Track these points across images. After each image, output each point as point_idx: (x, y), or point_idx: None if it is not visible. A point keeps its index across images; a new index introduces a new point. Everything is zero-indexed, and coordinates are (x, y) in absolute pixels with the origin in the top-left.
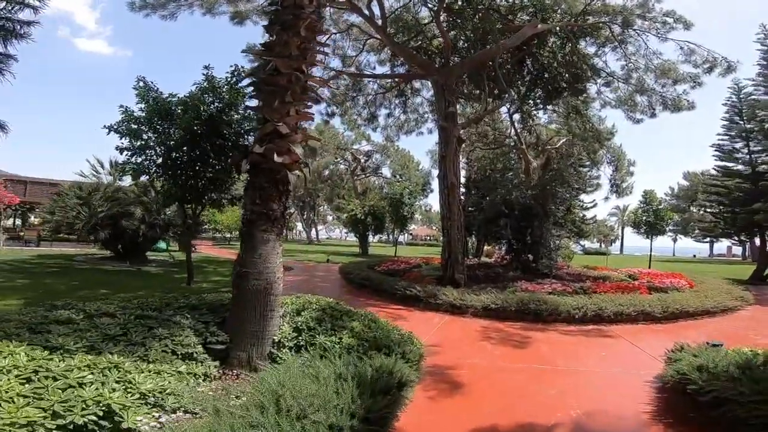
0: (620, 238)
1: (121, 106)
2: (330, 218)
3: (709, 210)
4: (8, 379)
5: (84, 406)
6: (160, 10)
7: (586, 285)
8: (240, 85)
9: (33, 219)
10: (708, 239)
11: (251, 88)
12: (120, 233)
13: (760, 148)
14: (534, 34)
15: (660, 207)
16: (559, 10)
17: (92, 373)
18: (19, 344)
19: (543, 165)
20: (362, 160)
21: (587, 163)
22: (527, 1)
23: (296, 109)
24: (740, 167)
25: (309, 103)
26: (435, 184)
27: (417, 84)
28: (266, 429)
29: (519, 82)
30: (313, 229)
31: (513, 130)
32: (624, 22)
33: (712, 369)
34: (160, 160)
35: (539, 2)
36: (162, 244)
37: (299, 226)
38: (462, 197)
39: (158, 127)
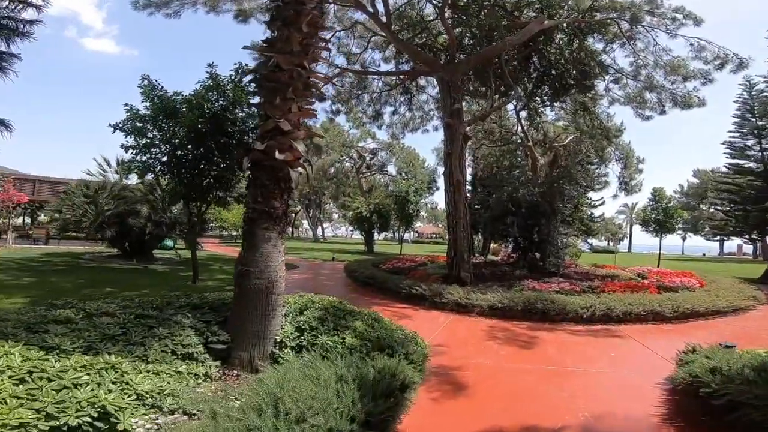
0: (628, 236)
1: (126, 105)
2: (336, 216)
3: (719, 208)
4: (1, 380)
5: (78, 407)
6: (164, 9)
7: (595, 284)
8: (243, 82)
9: (42, 217)
10: (718, 237)
11: (254, 86)
12: (127, 231)
13: None
14: (540, 30)
15: (669, 205)
16: (565, 6)
17: (88, 374)
18: (15, 344)
19: (550, 162)
20: (367, 158)
21: (595, 160)
22: None
23: (298, 106)
24: (752, 165)
25: (312, 100)
26: (441, 182)
27: (422, 81)
28: None
29: (525, 79)
30: (319, 227)
31: (520, 127)
32: (632, 19)
33: (726, 371)
34: (165, 158)
35: None
36: (169, 242)
37: (305, 224)
38: (468, 195)
39: (163, 125)
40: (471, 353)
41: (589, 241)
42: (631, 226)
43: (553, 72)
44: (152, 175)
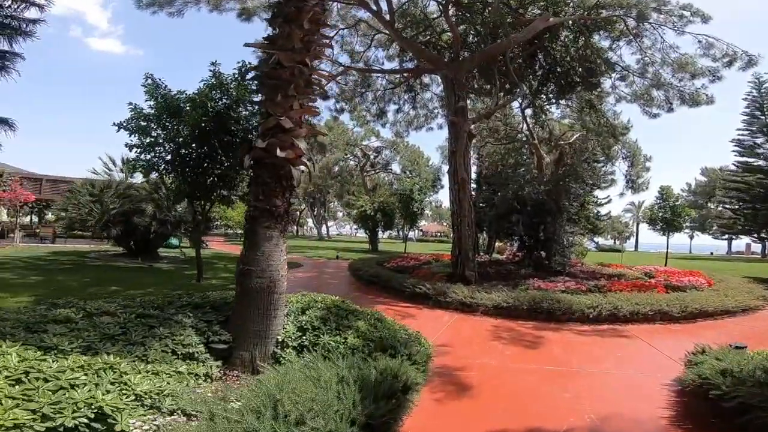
0: (635, 234)
1: (130, 104)
2: (340, 214)
3: (728, 206)
4: None
5: (75, 408)
6: (167, 7)
7: (601, 283)
8: (246, 80)
9: (49, 216)
10: (726, 236)
11: (256, 83)
12: (132, 230)
13: None
14: (546, 27)
15: (677, 203)
16: (571, 3)
17: (86, 374)
18: (12, 344)
19: (556, 160)
20: (372, 156)
21: (602, 158)
22: None
23: (300, 103)
24: (761, 163)
25: (314, 97)
26: (445, 180)
27: (426, 79)
28: None
29: (531, 77)
30: (324, 226)
31: (525, 125)
32: (639, 16)
33: (737, 373)
34: (169, 157)
35: None
36: (174, 241)
37: (310, 222)
38: (473, 193)
39: (167, 124)
40: (475, 353)
41: (595, 239)
42: (637, 225)
43: (559, 69)
44: (156, 174)
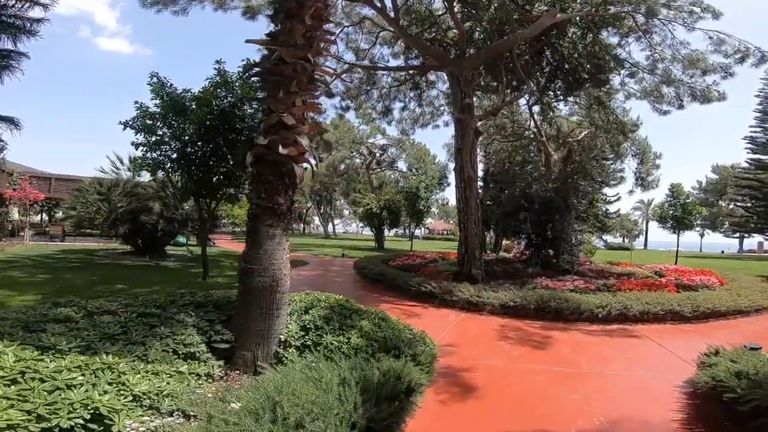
0: (644, 232)
1: (136, 102)
2: (346, 212)
3: (740, 204)
4: None
5: (71, 408)
6: (171, 6)
7: (610, 282)
8: (249, 77)
9: (59, 215)
10: (738, 234)
11: (258, 80)
12: (139, 228)
13: None
14: (553, 24)
15: (688, 201)
16: (578, 0)
17: (83, 375)
18: (10, 344)
19: (564, 158)
20: (377, 154)
21: (610, 155)
22: None
23: (303, 100)
24: None
25: (317, 93)
26: (452, 178)
27: (432, 76)
28: None
29: (538, 73)
30: (330, 224)
31: (532, 122)
32: (648, 12)
33: (753, 376)
34: (175, 155)
35: None
36: (181, 239)
37: (316, 220)
38: (480, 191)
39: (173, 122)
40: (481, 353)
41: (604, 237)
42: (647, 223)
43: (567, 66)
44: (163, 172)
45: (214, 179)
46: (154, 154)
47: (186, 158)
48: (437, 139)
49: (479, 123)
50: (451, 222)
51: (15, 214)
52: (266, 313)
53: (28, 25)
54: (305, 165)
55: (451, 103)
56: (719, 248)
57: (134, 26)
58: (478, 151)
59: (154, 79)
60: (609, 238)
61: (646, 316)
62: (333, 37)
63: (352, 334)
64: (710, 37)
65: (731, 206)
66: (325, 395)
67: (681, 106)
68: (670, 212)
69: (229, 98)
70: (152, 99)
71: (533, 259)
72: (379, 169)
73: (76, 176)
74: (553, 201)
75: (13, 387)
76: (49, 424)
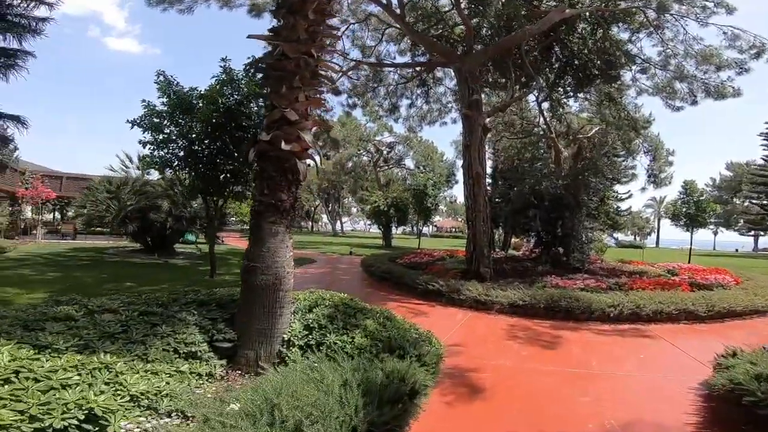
0: (656, 230)
1: (144, 101)
2: (354, 210)
3: (755, 202)
4: None
5: (65, 409)
6: (177, 4)
7: (622, 281)
8: (253, 74)
9: (71, 213)
10: (753, 232)
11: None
12: (148, 226)
13: None
14: (562, 19)
15: (701, 198)
16: None
17: (79, 374)
18: (6, 342)
19: (574, 154)
20: (385, 152)
21: (622, 152)
22: None
23: (306, 95)
24: None
25: (321, 89)
26: (460, 175)
27: (439, 73)
28: None
29: (547, 70)
30: (338, 221)
31: (542, 119)
32: (659, 7)
33: None
34: (182, 154)
35: None
36: (191, 236)
37: (324, 218)
38: (488, 188)
39: (180, 120)
40: (489, 353)
41: (615, 235)
42: (659, 220)
43: (576, 62)
44: (170, 170)
45: (221, 177)
46: (162, 152)
47: (193, 156)
48: (445, 136)
49: (487, 119)
50: (460, 220)
51: (28, 212)
52: (269, 312)
53: (34, 24)
54: (309, 161)
55: (459, 100)
56: (733, 246)
57: (143, 26)
58: (487, 148)
59: (161, 78)
60: (620, 235)
61: (659, 316)
62: (338, 33)
63: (356, 334)
64: (724, 33)
65: (746, 204)
66: (326, 397)
67: (694, 102)
68: (684, 210)
69: (236, 96)
70: (159, 97)
71: (543, 257)
72: (386, 167)
73: (87, 175)
74: (563, 198)
75: (6, 387)
76: (42, 425)
